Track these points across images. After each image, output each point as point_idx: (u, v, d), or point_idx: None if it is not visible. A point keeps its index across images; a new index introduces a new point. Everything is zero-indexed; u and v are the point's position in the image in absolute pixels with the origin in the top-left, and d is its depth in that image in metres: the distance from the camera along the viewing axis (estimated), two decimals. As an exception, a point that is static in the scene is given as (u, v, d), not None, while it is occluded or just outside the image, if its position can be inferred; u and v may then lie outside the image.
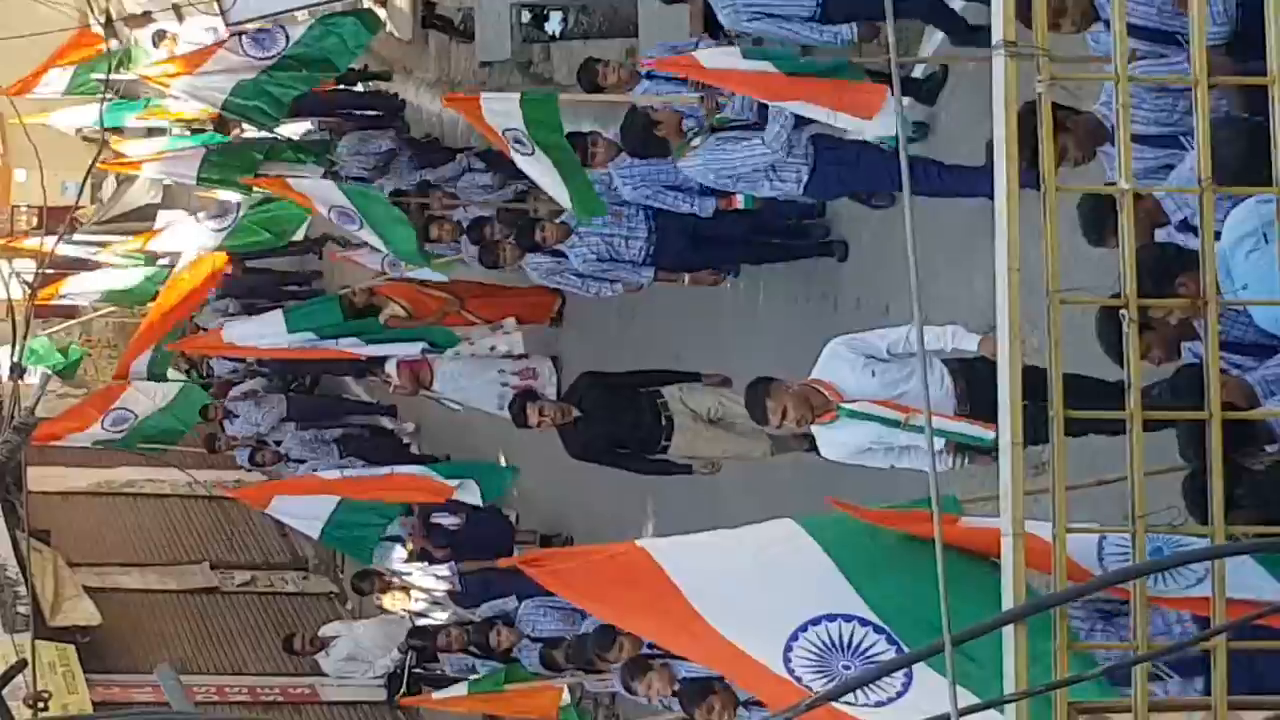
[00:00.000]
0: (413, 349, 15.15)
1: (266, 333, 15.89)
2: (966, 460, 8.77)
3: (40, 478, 20.34)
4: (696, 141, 11.05)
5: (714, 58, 10.34)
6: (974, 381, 8.75)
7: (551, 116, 11.61)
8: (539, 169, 11.88)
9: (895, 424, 8.72)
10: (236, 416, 18.68)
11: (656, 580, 6.36)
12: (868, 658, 6.14)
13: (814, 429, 9.11)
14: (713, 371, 12.44)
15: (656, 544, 6.66)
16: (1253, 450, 6.64)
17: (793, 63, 9.93)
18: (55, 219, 25.92)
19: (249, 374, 19.70)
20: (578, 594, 6.97)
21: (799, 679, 6.12)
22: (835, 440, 9.06)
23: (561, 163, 11.67)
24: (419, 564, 16.09)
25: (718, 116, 11.02)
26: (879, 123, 9.20)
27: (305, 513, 14.40)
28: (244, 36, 16.97)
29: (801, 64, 9.96)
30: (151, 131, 24.26)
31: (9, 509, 14.78)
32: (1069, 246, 5.94)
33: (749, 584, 6.39)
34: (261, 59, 16.44)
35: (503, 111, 11.79)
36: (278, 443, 18.37)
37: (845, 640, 6.18)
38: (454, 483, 14.01)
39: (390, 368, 15.55)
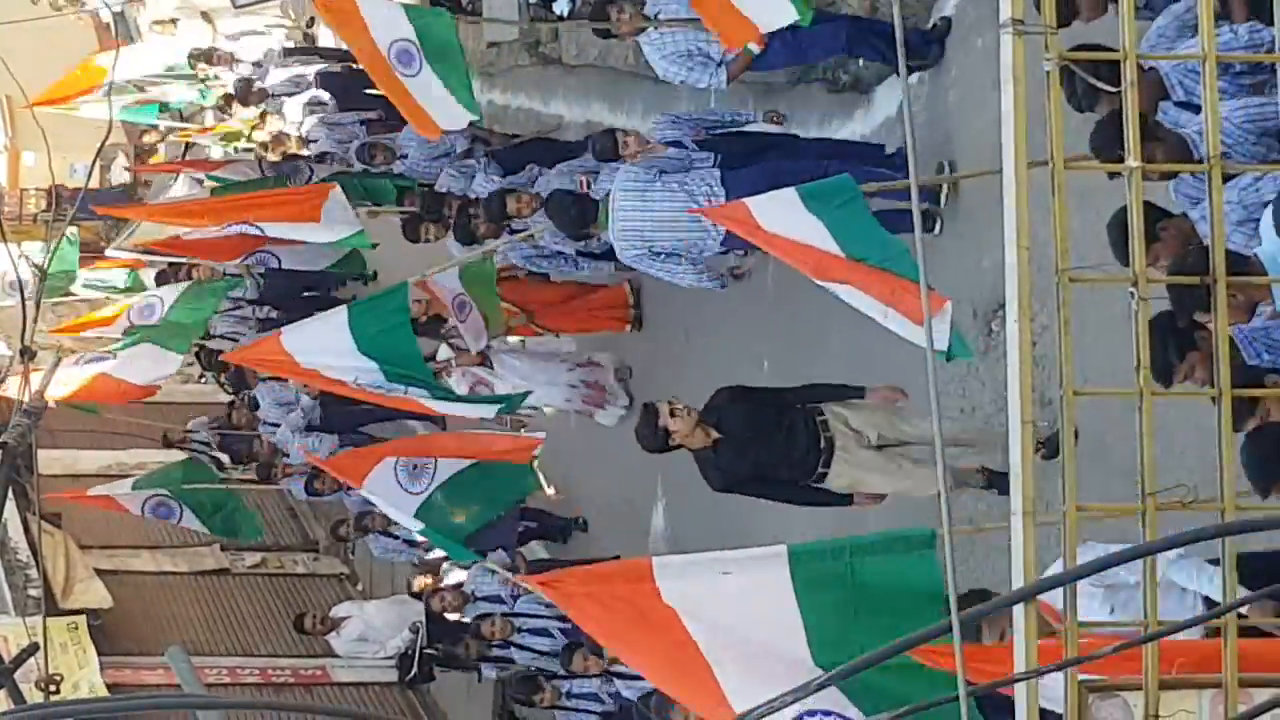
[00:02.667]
0: (488, 412, 13.80)
1: (332, 348, 13.15)
2: None
3: (51, 460, 20.37)
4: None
5: (769, 211, 9.14)
6: None
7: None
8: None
9: None
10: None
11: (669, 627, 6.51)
12: None
13: None
14: (881, 385, 10.42)
15: (667, 584, 6.61)
16: None
17: (855, 239, 8.98)
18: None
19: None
20: (593, 628, 6.99)
21: None
22: None
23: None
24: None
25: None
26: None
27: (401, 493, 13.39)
28: None
29: (866, 241, 8.96)
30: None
31: (19, 492, 14.76)
32: (1079, 225, 5.93)
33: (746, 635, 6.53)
34: None
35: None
36: None
37: None
38: (540, 434, 13.46)
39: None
